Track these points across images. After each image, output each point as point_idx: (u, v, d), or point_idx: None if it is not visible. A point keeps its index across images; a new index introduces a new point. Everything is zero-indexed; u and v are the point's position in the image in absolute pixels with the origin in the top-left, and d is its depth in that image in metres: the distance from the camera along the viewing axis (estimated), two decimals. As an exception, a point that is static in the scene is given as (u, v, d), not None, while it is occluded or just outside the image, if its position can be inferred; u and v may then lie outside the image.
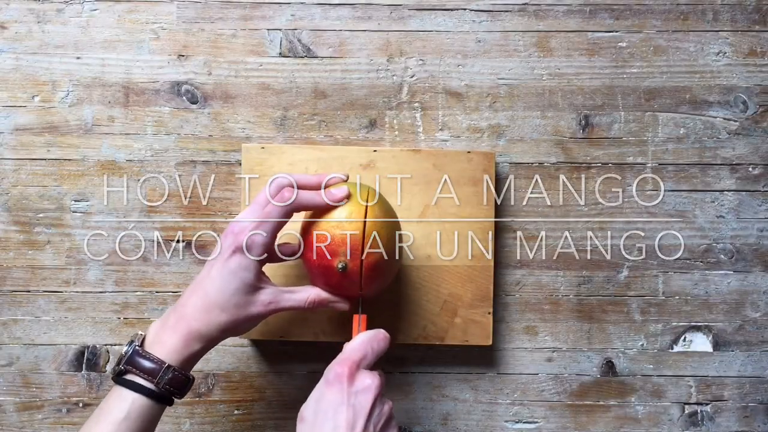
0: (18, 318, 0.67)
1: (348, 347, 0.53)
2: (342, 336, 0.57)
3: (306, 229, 0.56)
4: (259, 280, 0.54)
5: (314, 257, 0.55)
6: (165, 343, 0.52)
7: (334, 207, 0.55)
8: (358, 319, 0.57)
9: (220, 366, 0.68)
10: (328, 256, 0.54)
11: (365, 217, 0.55)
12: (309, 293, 0.56)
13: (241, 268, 0.53)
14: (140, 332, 0.54)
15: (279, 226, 0.54)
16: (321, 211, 0.55)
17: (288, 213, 0.54)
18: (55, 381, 0.67)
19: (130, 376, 0.52)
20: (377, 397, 0.51)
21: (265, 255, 0.54)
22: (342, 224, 0.54)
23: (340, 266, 0.54)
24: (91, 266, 0.67)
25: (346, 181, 0.58)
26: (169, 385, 0.52)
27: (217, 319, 0.53)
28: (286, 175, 0.56)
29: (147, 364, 0.51)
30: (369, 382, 0.51)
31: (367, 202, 0.56)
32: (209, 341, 0.53)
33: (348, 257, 0.54)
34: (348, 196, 0.56)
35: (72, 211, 0.67)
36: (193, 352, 0.53)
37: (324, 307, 0.57)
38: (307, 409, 0.51)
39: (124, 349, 0.53)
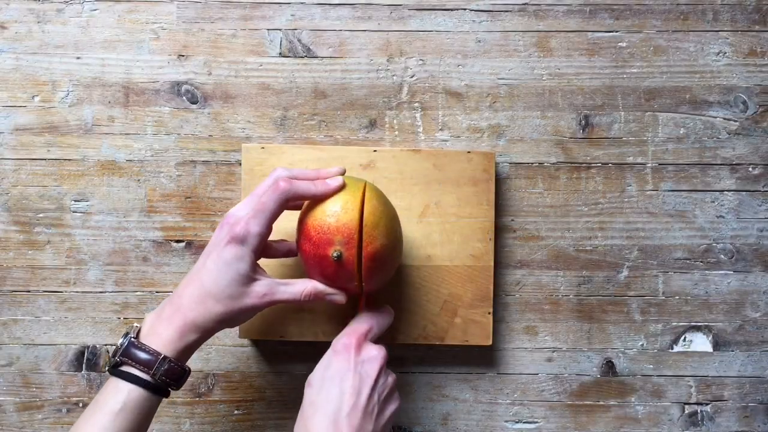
0: (18, 318, 0.67)
1: (354, 321, 0.56)
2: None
3: (302, 220, 0.56)
4: (254, 272, 0.54)
5: (309, 247, 0.55)
6: (161, 334, 0.52)
7: (330, 197, 0.55)
8: (363, 298, 0.58)
9: (220, 366, 0.68)
10: (323, 246, 0.54)
11: (361, 207, 0.55)
12: (305, 286, 0.55)
13: (236, 258, 0.53)
14: (136, 324, 0.54)
15: (274, 216, 0.54)
16: (317, 201, 0.55)
17: (283, 203, 0.54)
18: (55, 381, 0.67)
19: (125, 368, 0.52)
20: (382, 367, 0.54)
21: (261, 246, 0.54)
22: (337, 213, 0.54)
23: (335, 255, 0.53)
24: (91, 266, 0.67)
25: (343, 174, 0.58)
26: (165, 377, 0.52)
27: (212, 310, 0.53)
28: (284, 169, 0.56)
29: (143, 355, 0.52)
30: (375, 352, 0.54)
31: (363, 192, 0.56)
32: (205, 332, 0.53)
33: (343, 246, 0.54)
34: (343, 186, 0.56)
35: (72, 211, 0.67)
36: (188, 343, 0.53)
37: (321, 300, 0.56)
38: (315, 377, 0.53)
39: (120, 341, 0.53)
